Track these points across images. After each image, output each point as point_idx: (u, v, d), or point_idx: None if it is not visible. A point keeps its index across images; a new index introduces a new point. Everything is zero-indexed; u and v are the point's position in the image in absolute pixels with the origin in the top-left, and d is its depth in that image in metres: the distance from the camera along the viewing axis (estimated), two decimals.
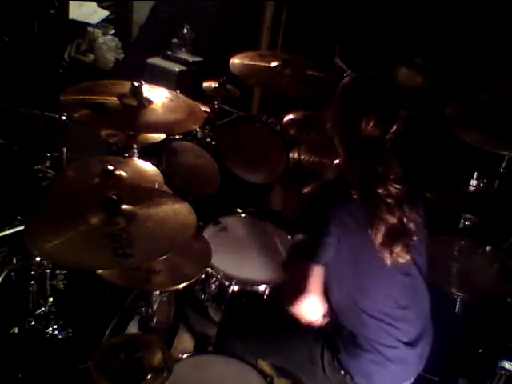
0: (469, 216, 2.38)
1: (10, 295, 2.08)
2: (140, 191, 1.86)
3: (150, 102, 2.11)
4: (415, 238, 1.63)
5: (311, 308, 1.62)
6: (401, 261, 1.61)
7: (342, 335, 1.71)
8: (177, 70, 4.13)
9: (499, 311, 2.25)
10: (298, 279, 1.61)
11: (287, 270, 1.77)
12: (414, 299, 1.72)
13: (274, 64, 2.76)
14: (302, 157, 2.71)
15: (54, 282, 2.12)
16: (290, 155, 2.69)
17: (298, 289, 1.59)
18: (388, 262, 1.60)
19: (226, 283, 2.17)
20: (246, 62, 2.80)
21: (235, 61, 2.78)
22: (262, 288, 2.16)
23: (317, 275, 1.60)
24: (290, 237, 2.46)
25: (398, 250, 1.60)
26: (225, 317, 2.16)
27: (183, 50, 4.26)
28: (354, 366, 1.70)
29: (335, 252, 1.60)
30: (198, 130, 2.70)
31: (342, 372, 1.71)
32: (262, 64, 2.79)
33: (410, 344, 1.70)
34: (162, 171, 2.24)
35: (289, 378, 2.21)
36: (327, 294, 1.68)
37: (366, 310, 1.66)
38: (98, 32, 4.43)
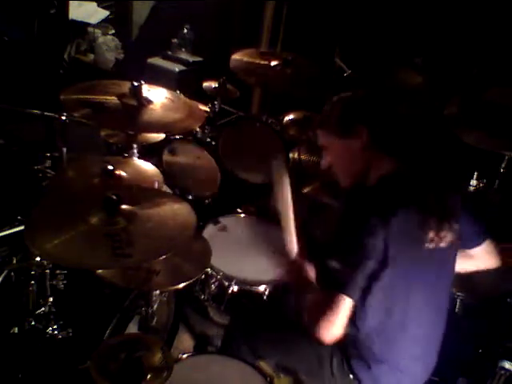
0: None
1: (10, 295, 2.08)
2: (140, 191, 1.86)
3: (150, 101, 2.11)
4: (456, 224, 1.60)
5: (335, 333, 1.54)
6: (444, 243, 1.57)
7: (355, 344, 1.69)
8: (177, 69, 4.13)
9: (499, 311, 2.25)
10: (327, 310, 1.51)
11: (316, 298, 1.59)
12: (438, 309, 1.71)
13: (274, 63, 2.76)
14: (302, 157, 2.71)
15: (54, 282, 2.12)
16: (290, 155, 2.69)
17: (326, 318, 1.51)
18: (432, 242, 1.55)
19: (226, 283, 2.17)
20: (246, 61, 2.81)
21: (235, 60, 2.79)
22: (261, 288, 2.16)
23: (348, 308, 1.52)
24: None
25: (444, 230, 1.56)
26: (230, 322, 2.16)
27: (183, 50, 4.26)
28: (365, 374, 1.69)
29: (378, 277, 1.53)
30: (197, 129, 2.71)
31: (351, 376, 1.71)
32: (262, 63, 2.79)
33: (424, 355, 1.70)
34: (161, 171, 2.24)
35: (289, 376, 2.21)
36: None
37: (392, 328, 1.63)
38: (98, 32, 4.43)
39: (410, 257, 1.56)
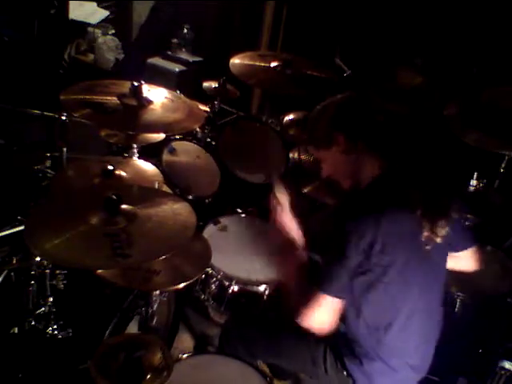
0: (469, 216, 2.38)
1: (10, 295, 2.08)
2: (140, 191, 1.86)
3: (150, 101, 2.11)
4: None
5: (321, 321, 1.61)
6: (439, 239, 1.57)
7: (348, 344, 1.70)
8: (177, 69, 4.13)
9: (499, 311, 2.25)
10: (305, 302, 1.59)
11: (297, 289, 1.69)
12: (433, 308, 1.72)
13: (273, 64, 2.76)
14: (302, 157, 2.71)
15: (54, 282, 2.12)
16: (290, 155, 2.69)
17: (303, 310, 1.59)
18: (428, 240, 1.55)
19: (226, 283, 2.17)
20: (246, 62, 2.80)
21: (235, 61, 2.78)
22: (261, 288, 2.16)
23: (329, 306, 1.58)
24: None
25: (439, 226, 1.56)
26: (228, 320, 2.16)
27: (183, 49, 4.26)
28: (358, 370, 1.70)
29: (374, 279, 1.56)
30: (198, 130, 2.71)
31: (345, 373, 1.72)
32: (262, 64, 2.79)
33: (417, 353, 1.70)
34: (161, 171, 2.24)
35: (287, 379, 2.21)
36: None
37: (384, 326, 1.64)
38: (98, 32, 4.42)
39: (407, 257, 1.57)
